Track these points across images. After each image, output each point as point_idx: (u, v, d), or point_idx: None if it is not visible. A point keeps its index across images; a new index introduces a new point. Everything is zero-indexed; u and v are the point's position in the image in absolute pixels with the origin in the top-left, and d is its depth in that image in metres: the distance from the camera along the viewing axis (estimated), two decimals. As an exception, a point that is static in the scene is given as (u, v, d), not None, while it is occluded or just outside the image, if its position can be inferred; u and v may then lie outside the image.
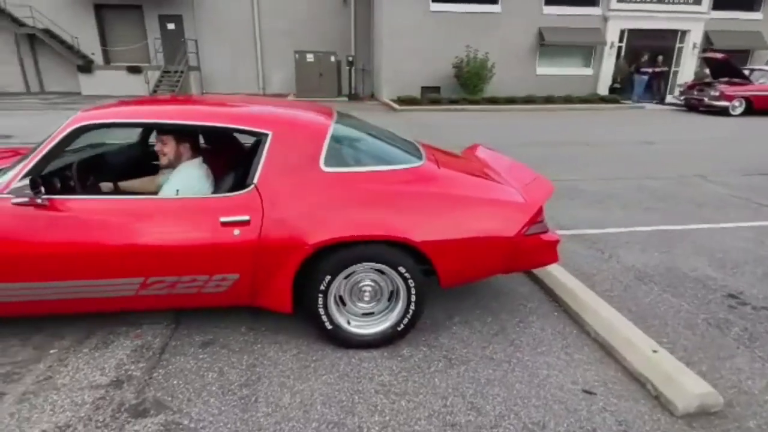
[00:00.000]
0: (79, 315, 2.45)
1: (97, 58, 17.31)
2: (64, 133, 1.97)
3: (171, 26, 17.47)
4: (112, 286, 2.01)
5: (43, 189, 1.91)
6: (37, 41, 16.68)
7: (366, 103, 15.54)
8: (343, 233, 2.01)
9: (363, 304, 2.24)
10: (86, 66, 16.41)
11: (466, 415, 1.86)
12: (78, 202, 1.97)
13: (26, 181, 1.86)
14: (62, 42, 16.63)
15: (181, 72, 16.42)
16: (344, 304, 2.24)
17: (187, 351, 2.23)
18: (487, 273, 2.32)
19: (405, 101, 14.30)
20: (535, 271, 2.99)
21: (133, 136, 3.21)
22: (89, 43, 17.19)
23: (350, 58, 16.79)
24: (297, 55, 15.83)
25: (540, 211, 2.27)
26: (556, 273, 2.88)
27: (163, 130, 2.31)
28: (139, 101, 2.27)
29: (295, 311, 2.20)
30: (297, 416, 1.83)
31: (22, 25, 16.21)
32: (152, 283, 2.03)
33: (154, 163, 2.92)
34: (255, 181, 2.05)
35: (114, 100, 2.37)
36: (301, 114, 2.37)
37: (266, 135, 2.11)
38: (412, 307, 2.19)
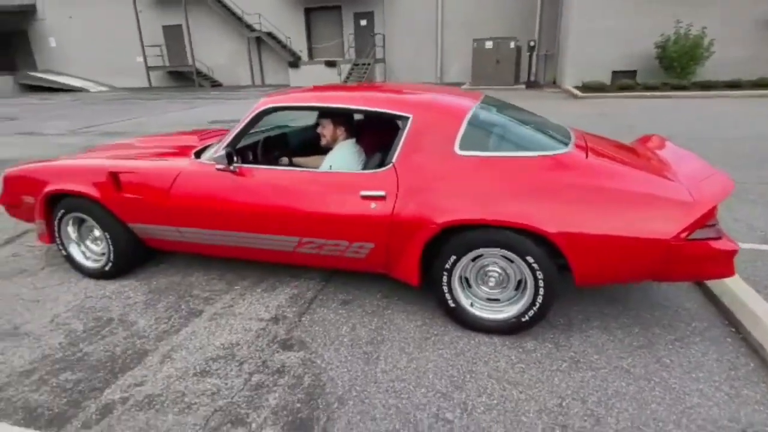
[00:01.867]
0: (258, 263, 3.05)
1: (303, 54, 20.20)
2: (253, 114, 2.46)
3: (363, 22, 19.23)
4: (277, 241, 2.45)
5: (236, 158, 2.43)
6: (261, 42, 20.29)
7: (545, 91, 14.59)
8: (470, 216, 2.04)
9: (487, 288, 2.24)
10: (295, 62, 19.30)
11: (581, 420, 1.73)
12: (258, 171, 2.44)
13: (224, 152, 2.39)
14: (279, 42, 19.89)
15: (368, 64, 18.00)
16: (470, 286, 2.27)
17: (330, 305, 2.57)
18: (634, 277, 2.06)
19: (590, 88, 12.95)
20: (712, 285, 2.51)
21: (313, 118, 3.73)
22: (298, 42, 20.17)
23: (531, 43, 15.92)
24: (475, 43, 15.72)
25: (712, 212, 1.90)
26: (738, 291, 2.37)
27: (321, 113, 2.67)
28: (307, 89, 2.66)
29: (423, 285, 2.34)
30: (409, 379, 1.97)
31: (253, 30, 19.93)
32: (306, 243, 2.40)
33: None
34: (393, 160, 2.22)
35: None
36: (444, 98, 2.45)
37: (407, 118, 2.26)
38: (539, 300, 2.10)
